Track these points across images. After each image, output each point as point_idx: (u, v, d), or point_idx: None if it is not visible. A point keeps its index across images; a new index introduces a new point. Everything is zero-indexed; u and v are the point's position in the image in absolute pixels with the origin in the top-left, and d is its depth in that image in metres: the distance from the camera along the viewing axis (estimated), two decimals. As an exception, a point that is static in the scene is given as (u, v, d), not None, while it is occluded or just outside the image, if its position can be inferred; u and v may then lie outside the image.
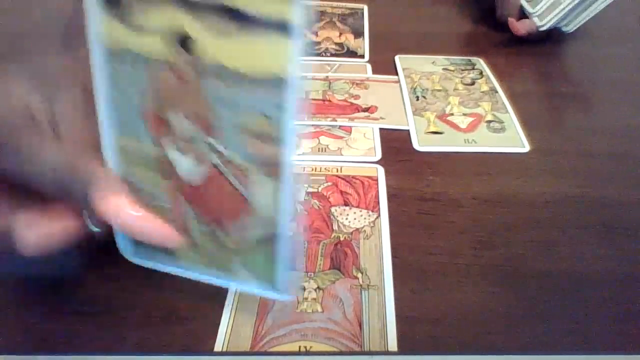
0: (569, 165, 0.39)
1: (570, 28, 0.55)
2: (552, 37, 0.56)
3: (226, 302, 0.29)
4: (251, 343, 0.27)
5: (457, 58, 0.53)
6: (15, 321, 0.28)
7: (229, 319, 0.28)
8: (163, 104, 0.22)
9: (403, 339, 0.27)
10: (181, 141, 0.23)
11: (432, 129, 0.43)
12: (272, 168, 0.22)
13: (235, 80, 0.21)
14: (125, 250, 0.26)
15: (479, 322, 0.28)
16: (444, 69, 0.52)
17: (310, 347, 0.27)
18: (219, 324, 0.28)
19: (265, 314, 0.28)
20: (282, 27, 0.19)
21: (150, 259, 0.26)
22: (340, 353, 0.26)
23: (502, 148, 0.41)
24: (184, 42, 0.21)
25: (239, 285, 0.26)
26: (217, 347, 0.27)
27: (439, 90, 0.48)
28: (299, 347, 0.27)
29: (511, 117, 0.44)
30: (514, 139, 0.42)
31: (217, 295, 0.28)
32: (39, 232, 0.24)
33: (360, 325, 0.28)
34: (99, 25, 0.22)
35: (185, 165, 0.23)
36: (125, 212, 0.23)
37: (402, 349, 0.27)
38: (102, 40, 0.22)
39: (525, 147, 0.41)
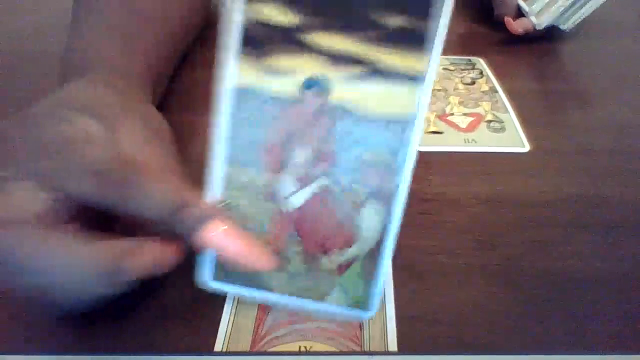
0: (569, 164, 0.39)
1: (567, 26, 0.55)
2: (551, 35, 0.56)
3: (226, 302, 0.29)
4: (251, 343, 0.27)
5: (457, 58, 0.53)
6: (15, 321, 0.28)
7: (229, 319, 0.28)
8: (287, 138, 0.24)
9: (403, 339, 0.27)
10: (298, 173, 0.25)
11: (432, 128, 0.43)
12: (387, 197, 0.24)
13: (365, 119, 0.23)
14: (207, 276, 0.26)
15: (479, 322, 0.28)
16: (444, 68, 0.52)
17: (310, 347, 0.27)
18: (219, 324, 0.28)
19: (266, 314, 0.28)
20: (415, 78, 0.22)
21: (233, 283, 0.26)
22: (340, 353, 0.26)
23: (502, 148, 0.41)
24: (318, 84, 0.23)
25: (326, 309, 0.26)
26: (217, 347, 0.27)
27: (439, 90, 0.48)
28: (299, 347, 0.27)
29: (511, 117, 0.44)
30: (514, 139, 0.42)
31: (218, 295, 0.28)
32: (145, 257, 0.24)
33: (360, 325, 0.28)
34: (231, 64, 0.23)
35: (298, 194, 0.25)
36: (223, 236, 0.23)
37: (402, 349, 0.27)
38: (232, 78, 0.23)
39: (525, 147, 0.41)
